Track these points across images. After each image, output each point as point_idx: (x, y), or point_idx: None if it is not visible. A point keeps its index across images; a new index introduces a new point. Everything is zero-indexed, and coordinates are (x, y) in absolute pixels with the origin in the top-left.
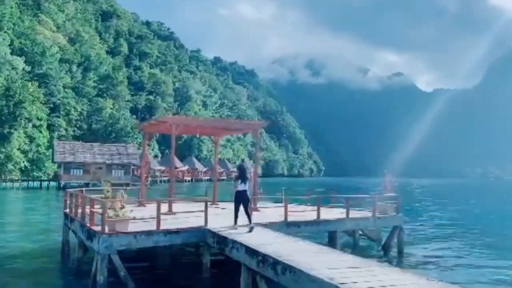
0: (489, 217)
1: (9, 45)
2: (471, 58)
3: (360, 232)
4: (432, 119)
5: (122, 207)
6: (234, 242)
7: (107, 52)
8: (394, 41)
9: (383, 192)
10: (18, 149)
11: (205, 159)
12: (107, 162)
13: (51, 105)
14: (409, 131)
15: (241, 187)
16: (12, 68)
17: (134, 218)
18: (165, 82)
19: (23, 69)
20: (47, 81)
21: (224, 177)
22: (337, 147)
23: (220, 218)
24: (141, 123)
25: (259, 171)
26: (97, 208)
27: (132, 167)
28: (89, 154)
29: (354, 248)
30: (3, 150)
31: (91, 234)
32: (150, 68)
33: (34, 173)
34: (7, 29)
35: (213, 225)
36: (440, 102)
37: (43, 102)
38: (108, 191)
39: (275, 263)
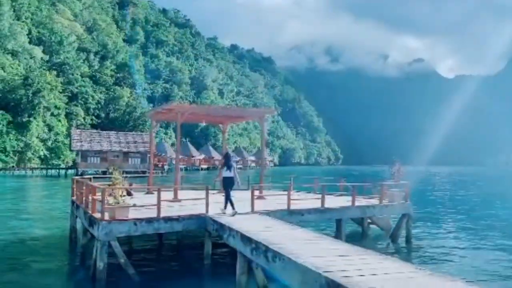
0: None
1: (28, 35)
2: (495, 43)
3: (369, 221)
4: (454, 106)
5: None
6: (230, 229)
7: (124, 41)
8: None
9: (391, 180)
10: (37, 137)
11: (221, 147)
12: (124, 150)
13: (69, 94)
14: (431, 118)
15: (226, 173)
16: (31, 57)
17: (134, 206)
18: (182, 70)
19: (41, 58)
20: (65, 70)
21: (241, 166)
22: (355, 135)
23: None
24: (149, 111)
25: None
26: (98, 196)
27: (148, 155)
28: (106, 142)
29: (362, 237)
30: (23, 138)
31: (92, 221)
32: (167, 56)
33: (53, 161)
34: (25, 19)
35: (214, 213)
36: (462, 89)
37: (61, 91)
38: (116, 179)
39: (266, 250)
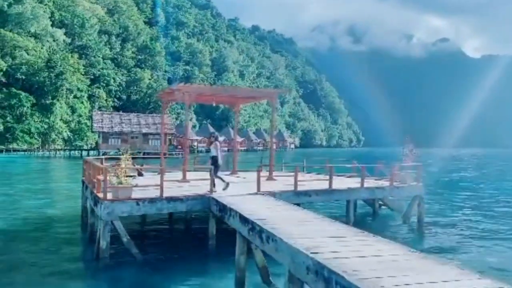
0: None
1: (50, 17)
2: None
3: (381, 202)
4: (480, 87)
5: (138, 175)
6: (231, 210)
7: (145, 23)
8: (439, 4)
9: (404, 161)
10: (61, 119)
11: (242, 129)
12: (144, 131)
13: (92, 76)
14: (456, 99)
15: (213, 152)
16: (53, 40)
17: (136, 186)
18: (202, 52)
19: (64, 41)
20: (87, 52)
21: (261, 147)
22: (378, 117)
23: (232, 187)
24: (158, 92)
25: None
26: (102, 176)
27: (168, 137)
28: (126, 124)
29: (374, 218)
30: (47, 120)
31: (96, 201)
32: (187, 38)
33: (77, 143)
34: (48, 2)
35: (222, 194)
36: (489, 69)
37: (84, 73)
38: (127, 160)
39: (261, 231)
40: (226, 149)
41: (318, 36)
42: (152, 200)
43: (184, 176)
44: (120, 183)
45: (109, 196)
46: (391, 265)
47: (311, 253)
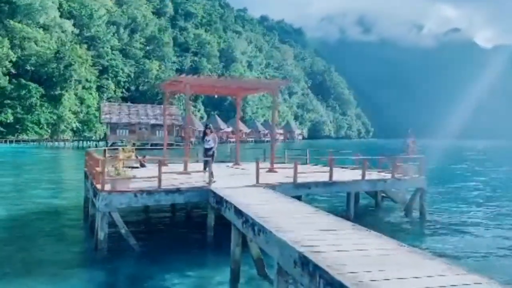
0: None
1: (58, 8)
2: None
3: (383, 194)
4: (492, 78)
5: (141, 166)
6: (227, 202)
7: (153, 13)
8: None
9: (406, 153)
10: (70, 110)
11: (250, 120)
12: (151, 122)
13: (100, 67)
14: (468, 90)
15: (207, 144)
16: (62, 31)
17: (134, 177)
18: (210, 42)
19: (72, 32)
20: (96, 43)
21: (269, 139)
22: (388, 108)
23: (232, 178)
24: (161, 83)
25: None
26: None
27: (176, 128)
28: (134, 115)
29: (376, 210)
30: (56, 111)
31: (95, 192)
32: (195, 28)
33: (85, 133)
34: None
35: (221, 185)
36: (501, 59)
37: (92, 64)
38: (130, 151)
39: (253, 223)
40: (234, 140)
41: (327, 26)
42: (150, 192)
43: (185, 167)
44: (118, 174)
45: (107, 187)
46: (377, 260)
47: (298, 246)
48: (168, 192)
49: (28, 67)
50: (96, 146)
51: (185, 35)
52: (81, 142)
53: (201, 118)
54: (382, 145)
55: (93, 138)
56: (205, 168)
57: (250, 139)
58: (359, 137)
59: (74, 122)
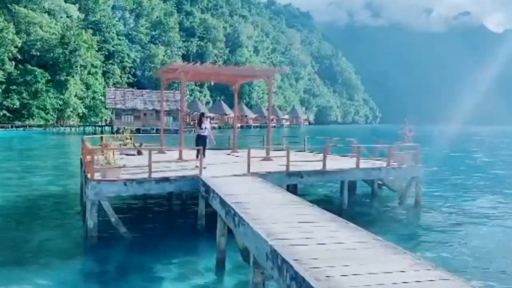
0: None
1: None
2: None
3: (380, 182)
4: (503, 63)
5: (138, 153)
6: (213, 191)
7: None
8: None
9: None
10: (76, 95)
11: (256, 105)
12: (157, 108)
13: (106, 53)
14: (478, 75)
15: (201, 132)
16: (67, 16)
17: (124, 166)
18: (216, 27)
19: (78, 17)
20: (101, 28)
21: (274, 124)
22: (396, 93)
23: (224, 167)
24: (158, 70)
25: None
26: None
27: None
28: (139, 100)
29: (372, 199)
30: (62, 96)
31: (85, 181)
32: (201, 13)
33: (92, 119)
34: None
35: (212, 174)
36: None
37: (98, 49)
38: (127, 138)
39: (234, 214)
40: (239, 125)
41: (335, 10)
42: (140, 181)
43: (180, 156)
44: (108, 163)
45: (97, 176)
46: (348, 254)
47: (270, 239)
48: (158, 181)
49: (34, 52)
50: (102, 132)
51: (191, 20)
52: (86, 127)
53: (207, 103)
54: (388, 130)
55: (99, 123)
56: (197, 156)
57: (256, 125)
58: (366, 123)
59: (80, 108)
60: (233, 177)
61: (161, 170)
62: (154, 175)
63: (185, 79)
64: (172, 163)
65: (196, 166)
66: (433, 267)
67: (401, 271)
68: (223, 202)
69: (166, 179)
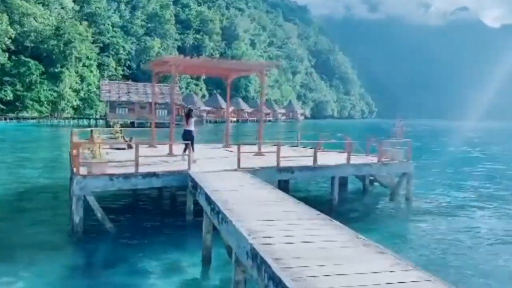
0: None
1: None
2: None
3: (371, 178)
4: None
5: (128, 147)
6: (200, 187)
7: None
8: None
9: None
10: (70, 88)
11: (252, 99)
12: (151, 101)
13: (101, 45)
14: (475, 70)
15: (188, 126)
16: (62, 7)
17: (109, 161)
18: (212, 20)
19: (72, 8)
20: (96, 20)
21: (271, 118)
22: (393, 88)
23: (214, 162)
24: (148, 63)
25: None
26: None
27: (176, 107)
28: (133, 93)
29: (364, 194)
30: (56, 88)
31: (71, 175)
32: (198, 5)
33: (86, 111)
34: None
35: (201, 169)
36: (509, 38)
37: (93, 41)
38: (116, 132)
39: (218, 212)
40: (235, 119)
41: (332, 3)
42: (126, 176)
43: (171, 150)
44: (94, 157)
45: (83, 171)
46: (329, 253)
47: (251, 238)
48: (145, 176)
49: (28, 44)
50: (96, 125)
51: (187, 12)
52: (80, 120)
53: (203, 96)
54: (384, 126)
55: (94, 116)
56: (185, 151)
57: (253, 119)
58: (362, 117)
59: (75, 100)
60: (222, 172)
61: (147, 163)
62: (142, 170)
63: (176, 72)
64: (161, 158)
65: (184, 160)
66: (413, 267)
67: (380, 272)
68: (208, 199)
69: (153, 174)
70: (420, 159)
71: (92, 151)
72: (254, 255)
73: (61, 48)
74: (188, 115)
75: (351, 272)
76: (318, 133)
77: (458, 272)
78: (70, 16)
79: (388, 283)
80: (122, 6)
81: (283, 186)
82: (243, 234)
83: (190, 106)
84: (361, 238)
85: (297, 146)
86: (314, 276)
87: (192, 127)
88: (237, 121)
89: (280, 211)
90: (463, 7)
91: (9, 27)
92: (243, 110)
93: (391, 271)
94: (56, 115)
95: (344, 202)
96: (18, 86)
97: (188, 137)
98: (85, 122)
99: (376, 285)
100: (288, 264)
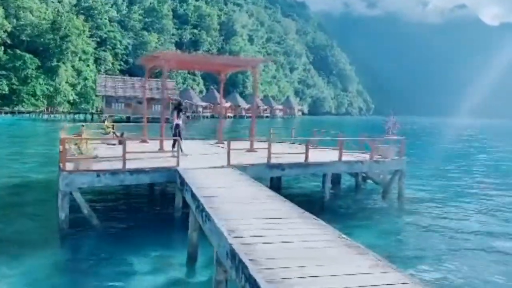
0: None
1: None
2: None
3: (364, 175)
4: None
5: (119, 143)
6: (187, 184)
7: None
8: None
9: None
10: (66, 82)
11: (250, 95)
12: (147, 96)
13: (98, 39)
14: (472, 68)
15: (177, 120)
16: (58, 1)
17: (96, 157)
18: (210, 15)
19: (69, 2)
20: (93, 14)
21: (268, 114)
22: (391, 85)
23: (204, 158)
24: (140, 57)
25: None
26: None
27: (172, 101)
28: (129, 88)
29: (356, 192)
30: (52, 83)
31: (58, 171)
32: (196, 0)
33: (83, 106)
34: None
35: (191, 166)
36: (507, 37)
37: (89, 36)
38: (108, 127)
39: (203, 210)
40: (232, 115)
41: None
42: (113, 172)
43: (161, 146)
44: (81, 153)
45: (69, 166)
46: (310, 254)
47: (231, 237)
48: (133, 172)
49: (24, 38)
50: (92, 119)
51: (184, 7)
52: (76, 114)
53: (200, 92)
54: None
55: (90, 111)
56: (173, 146)
57: (249, 115)
58: (360, 114)
59: (71, 95)
60: (211, 169)
61: (136, 159)
62: (131, 166)
63: (167, 67)
64: (151, 154)
65: (174, 156)
66: (393, 269)
67: (359, 273)
68: (194, 196)
69: (141, 171)
70: (413, 156)
71: (79, 147)
72: (233, 255)
73: (58, 42)
74: (180, 109)
75: (328, 273)
76: (314, 129)
77: (448, 270)
78: (66, 10)
79: (361, 286)
80: (120, 1)
81: (276, 183)
82: (224, 233)
83: (179, 100)
84: (343, 238)
85: (293, 143)
86: (289, 278)
87: (180, 121)
88: (234, 117)
89: (265, 210)
90: (462, 5)
91: (5, 21)
92: (240, 106)
93: (369, 273)
94: (52, 109)
95: (336, 199)
96: (14, 80)
97: (177, 132)
98: (81, 116)
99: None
100: (266, 265)
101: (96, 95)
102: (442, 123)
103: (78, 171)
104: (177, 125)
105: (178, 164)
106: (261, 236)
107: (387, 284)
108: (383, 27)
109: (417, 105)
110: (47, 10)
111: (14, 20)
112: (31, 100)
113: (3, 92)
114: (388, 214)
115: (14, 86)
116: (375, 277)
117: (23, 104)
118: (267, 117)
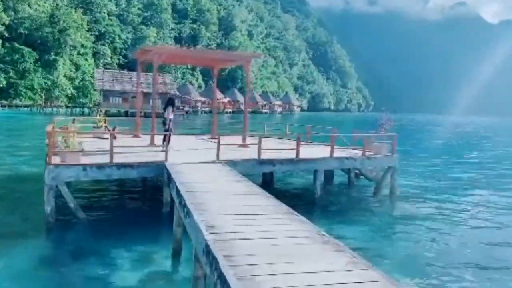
0: None
1: None
2: None
3: (357, 171)
4: (498, 53)
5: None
6: (173, 180)
7: None
8: None
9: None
10: (64, 76)
11: (249, 91)
12: (145, 91)
13: (96, 33)
14: (473, 66)
15: (170, 116)
16: None
17: (82, 150)
18: (210, 10)
19: None
20: (92, 8)
21: (267, 110)
22: (391, 82)
23: (194, 153)
24: (133, 51)
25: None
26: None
27: (169, 96)
28: (127, 82)
29: (348, 188)
30: (50, 76)
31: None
32: None
33: (81, 100)
34: None
35: (179, 160)
36: (507, 35)
37: (88, 29)
38: (100, 121)
39: (184, 205)
40: (231, 110)
41: None
42: (100, 166)
43: (152, 141)
44: (67, 146)
45: (55, 160)
46: (286, 251)
47: (208, 233)
48: (119, 166)
49: (22, 31)
50: (90, 114)
51: (184, 2)
52: (74, 108)
53: (199, 87)
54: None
55: (88, 105)
56: (164, 141)
57: (248, 110)
58: (359, 111)
59: (69, 88)
60: (200, 164)
61: (125, 153)
62: (119, 160)
63: (159, 61)
64: (141, 148)
65: (162, 151)
66: (369, 267)
67: (332, 271)
68: (177, 191)
69: (129, 165)
70: (406, 153)
71: (66, 140)
72: (207, 251)
73: (56, 36)
74: (173, 104)
75: (302, 270)
76: (313, 125)
77: (436, 267)
78: (65, 4)
79: (330, 284)
80: None
81: (268, 179)
82: (201, 229)
83: (172, 95)
84: (323, 234)
85: (289, 139)
86: (260, 275)
87: (171, 116)
88: (233, 112)
89: (249, 205)
90: (462, 2)
91: (2, 14)
92: (238, 101)
93: (342, 270)
94: (49, 103)
95: (327, 195)
96: (11, 74)
97: (167, 126)
98: (79, 110)
99: (324, 285)
100: (239, 262)
101: (95, 89)
102: (441, 120)
103: (64, 165)
104: (169, 120)
105: (166, 159)
106: (239, 232)
107: (358, 282)
108: (383, 24)
109: (417, 102)
110: (45, 3)
111: (12, 13)
112: (28, 94)
113: (1, 85)
114: (378, 211)
115: (12, 80)
116: (348, 275)
117: (21, 97)
118: (265, 113)
